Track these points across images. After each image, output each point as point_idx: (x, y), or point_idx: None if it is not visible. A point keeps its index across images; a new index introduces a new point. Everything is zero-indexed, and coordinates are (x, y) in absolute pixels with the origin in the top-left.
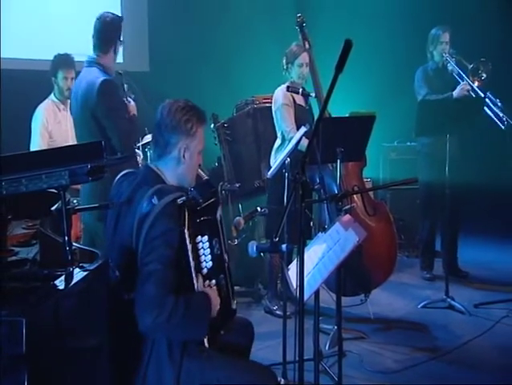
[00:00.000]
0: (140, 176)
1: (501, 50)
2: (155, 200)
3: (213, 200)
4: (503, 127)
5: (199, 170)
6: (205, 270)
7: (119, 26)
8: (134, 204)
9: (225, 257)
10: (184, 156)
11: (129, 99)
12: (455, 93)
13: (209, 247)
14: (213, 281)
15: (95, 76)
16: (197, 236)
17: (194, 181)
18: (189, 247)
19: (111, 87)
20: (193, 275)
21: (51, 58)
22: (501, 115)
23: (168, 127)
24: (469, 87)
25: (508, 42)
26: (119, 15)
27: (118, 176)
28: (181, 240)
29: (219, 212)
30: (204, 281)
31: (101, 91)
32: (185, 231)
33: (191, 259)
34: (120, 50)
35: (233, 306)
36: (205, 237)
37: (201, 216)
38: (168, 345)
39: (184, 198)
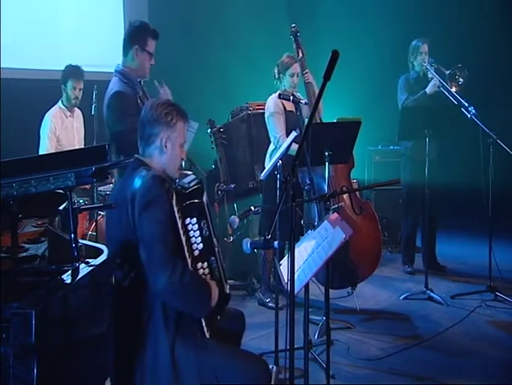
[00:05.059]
0: (129, 167)
1: (481, 57)
2: (144, 173)
3: (198, 186)
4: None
5: (186, 172)
6: (196, 252)
7: (140, 33)
8: (125, 190)
9: (215, 240)
10: (166, 146)
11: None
12: (428, 90)
13: (198, 229)
14: (205, 264)
15: (111, 87)
16: (185, 218)
17: (177, 173)
18: (180, 224)
19: (118, 99)
20: (186, 254)
21: (56, 67)
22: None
23: (150, 120)
24: (439, 83)
25: (485, 49)
26: (151, 28)
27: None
28: (172, 216)
29: (205, 198)
30: (196, 264)
31: (108, 104)
32: (174, 204)
33: (182, 236)
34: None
35: (227, 291)
36: (194, 219)
37: (189, 199)
38: (166, 326)
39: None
